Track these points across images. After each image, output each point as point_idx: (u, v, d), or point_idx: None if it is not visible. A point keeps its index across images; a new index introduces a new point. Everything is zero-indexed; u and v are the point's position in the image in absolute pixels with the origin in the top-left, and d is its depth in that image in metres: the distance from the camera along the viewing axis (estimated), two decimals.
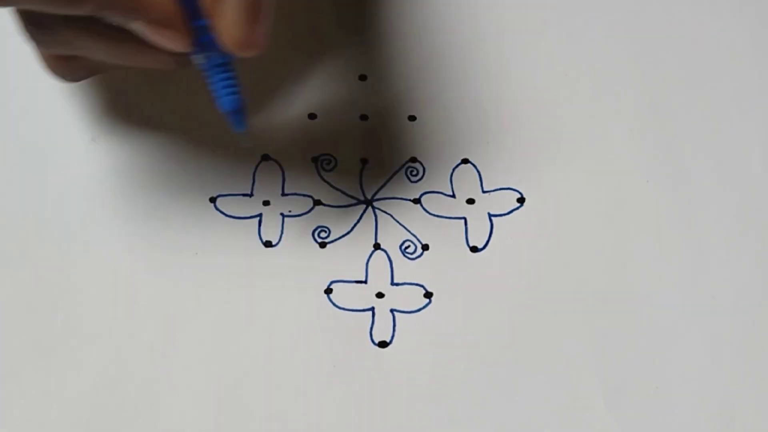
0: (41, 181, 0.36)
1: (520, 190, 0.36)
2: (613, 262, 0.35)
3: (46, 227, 0.35)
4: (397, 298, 0.34)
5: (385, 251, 0.35)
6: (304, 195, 0.36)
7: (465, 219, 0.36)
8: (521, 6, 0.40)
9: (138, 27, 0.28)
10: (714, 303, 0.34)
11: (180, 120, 0.37)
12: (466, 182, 0.36)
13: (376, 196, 0.36)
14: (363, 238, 0.35)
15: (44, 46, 0.30)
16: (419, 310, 0.34)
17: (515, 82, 0.38)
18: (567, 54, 0.39)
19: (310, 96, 0.37)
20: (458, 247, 0.35)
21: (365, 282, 0.35)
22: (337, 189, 0.36)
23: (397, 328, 0.34)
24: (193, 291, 0.34)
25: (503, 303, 0.34)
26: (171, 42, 0.29)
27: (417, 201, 0.36)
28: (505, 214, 0.36)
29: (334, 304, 0.34)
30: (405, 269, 0.35)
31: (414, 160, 0.37)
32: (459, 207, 0.36)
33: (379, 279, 0.35)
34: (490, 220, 0.36)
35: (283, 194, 0.36)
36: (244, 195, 0.36)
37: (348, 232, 0.35)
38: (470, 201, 0.36)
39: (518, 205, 0.36)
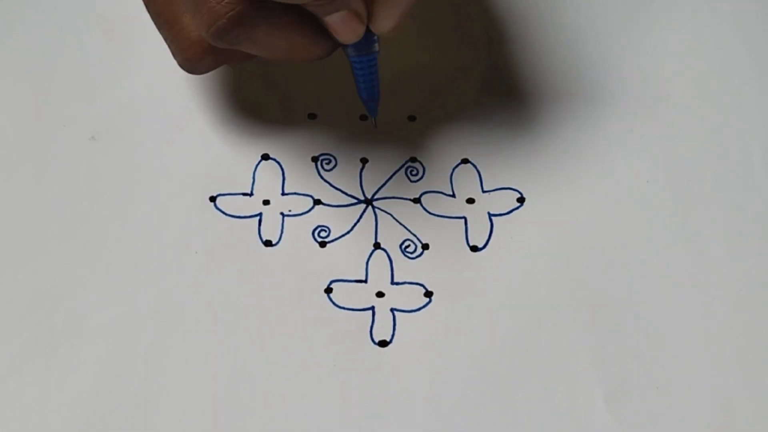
0: (41, 181, 0.36)
1: (520, 190, 0.36)
2: (613, 262, 0.35)
3: (46, 227, 0.35)
4: (397, 297, 0.34)
5: (385, 251, 0.35)
6: (304, 194, 0.36)
7: (465, 218, 0.36)
8: (521, 6, 0.40)
9: (338, 17, 0.30)
10: (714, 303, 0.34)
11: (180, 119, 0.37)
12: (466, 182, 0.36)
13: (376, 196, 0.36)
14: (363, 237, 0.35)
15: (232, 42, 0.30)
16: (419, 309, 0.34)
17: (515, 82, 0.38)
18: (567, 54, 0.39)
19: (310, 96, 0.37)
20: (458, 247, 0.35)
21: (365, 281, 0.34)
22: (337, 188, 0.36)
23: (397, 327, 0.34)
24: (192, 290, 0.34)
25: (503, 302, 0.34)
26: (355, 33, 0.31)
27: (417, 200, 0.36)
28: (505, 214, 0.36)
29: (334, 304, 0.34)
30: (405, 269, 0.35)
31: (414, 159, 0.37)
32: (459, 206, 0.36)
33: (379, 278, 0.35)
34: (490, 220, 0.36)
35: (283, 193, 0.36)
36: (244, 194, 0.36)
37: (348, 232, 0.35)
38: (470, 200, 0.36)
39: (518, 204, 0.36)
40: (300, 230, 0.35)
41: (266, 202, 0.36)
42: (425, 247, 0.35)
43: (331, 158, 0.37)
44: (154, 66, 0.38)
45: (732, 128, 0.37)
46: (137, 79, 0.38)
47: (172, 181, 0.36)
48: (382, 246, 0.35)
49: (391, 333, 0.34)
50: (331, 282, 0.34)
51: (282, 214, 0.36)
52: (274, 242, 0.35)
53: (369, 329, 0.34)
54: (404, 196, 0.36)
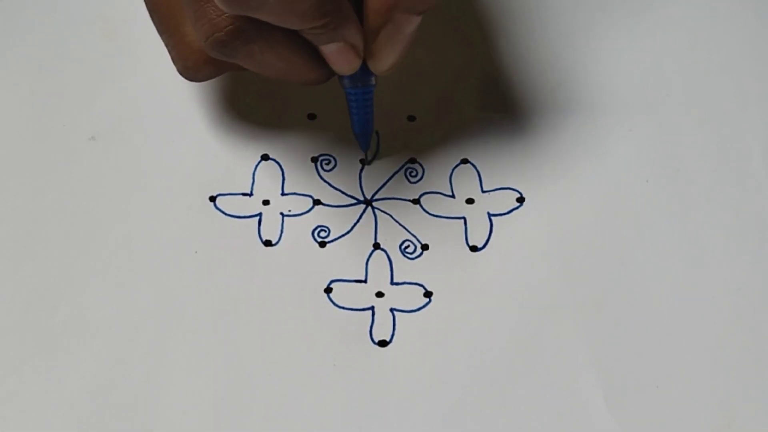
0: (41, 181, 0.36)
1: (520, 190, 0.36)
2: (613, 262, 0.35)
3: (46, 227, 0.35)
4: (396, 297, 0.34)
5: (385, 251, 0.35)
6: (303, 194, 0.36)
7: (465, 219, 0.36)
8: (521, 6, 0.40)
9: (333, 47, 0.30)
10: (714, 303, 0.34)
11: (180, 119, 0.37)
12: (465, 182, 0.36)
13: (376, 196, 0.36)
14: (363, 237, 0.35)
15: (229, 54, 0.30)
16: (419, 309, 0.34)
17: (515, 82, 0.38)
18: (567, 54, 0.39)
19: (310, 96, 0.37)
20: (458, 247, 0.35)
21: (365, 281, 0.34)
22: (337, 189, 0.36)
23: (396, 327, 0.34)
24: (192, 290, 0.34)
25: (503, 302, 0.34)
26: (349, 65, 0.32)
27: (416, 201, 0.36)
28: (504, 214, 0.36)
29: (334, 304, 0.34)
30: (405, 269, 0.35)
31: (413, 160, 0.37)
32: (458, 207, 0.36)
33: (379, 278, 0.34)
34: (490, 220, 0.36)
35: (283, 194, 0.36)
36: (244, 194, 0.36)
37: (348, 232, 0.35)
38: (470, 201, 0.36)
39: (518, 204, 0.36)
40: (300, 230, 0.35)
41: (266, 202, 0.36)
42: (425, 247, 0.35)
43: (331, 158, 0.37)
44: (154, 66, 0.38)
45: (732, 128, 0.37)
46: (137, 80, 0.38)
47: (172, 181, 0.36)
48: (381, 246, 0.35)
49: (391, 333, 0.34)
50: (331, 282, 0.34)
51: (282, 214, 0.36)
52: (274, 242, 0.35)
53: (369, 329, 0.34)
54: (404, 197, 0.36)
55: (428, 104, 0.38)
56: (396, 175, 0.37)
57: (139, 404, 0.32)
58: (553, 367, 0.33)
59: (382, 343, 0.33)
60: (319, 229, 0.35)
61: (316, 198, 0.36)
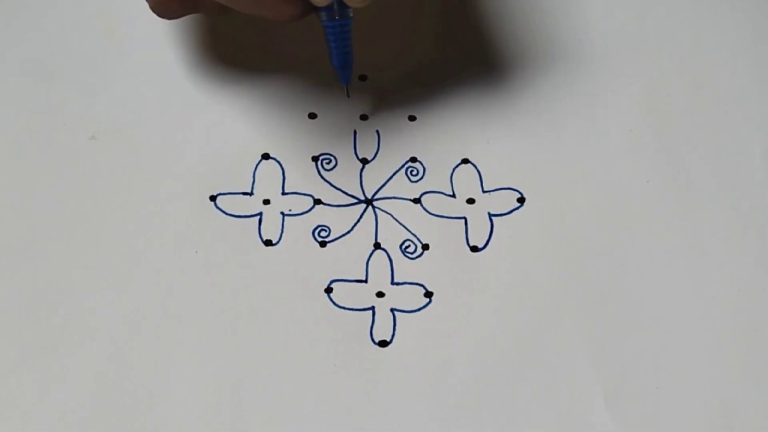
0: (41, 181, 0.36)
1: (520, 190, 0.36)
2: (613, 262, 0.35)
3: (46, 227, 0.35)
4: (397, 297, 0.34)
5: (386, 251, 0.35)
6: (304, 194, 0.36)
7: (465, 219, 0.36)
8: (521, 6, 0.40)
9: None
10: (714, 303, 0.34)
11: (180, 118, 0.37)
12: (466, 182, 0.36)
13: (376, 196, 0.36)
14: (363, 237, 0.35)
15: None
16: (419, 309, 0.34)
17: (515, 82, 0.38)
18: (567, 54, 0.39)
19: (310, 96, 0.37)
20: (458, 247, 0.35)
21: (365, 281, 0.34)
22: (337, 188, 0.36)
23: (397, 327, 0.34)
24: (193, 289, 0.34)
25: (503, 302, 0.34)
26: None
27: (417, 201, 0.36)
28: (505, 214, 0.36)
29: (335, 303, 0.34)
30: (405, 269, 0.35)
31: (414, 159, 0.37)
32: (459, 207, 0.36)
33: (380, 278, 0.34)
34: (491, 220, 0.36)
35: (284, 193, 0.36)
36: (245, 194, 0.36)
37: (348, 232, 0.35)
38: (470, 201, 0.36)
39: (518, 204, 0.36)
40: (300, 230, 0.35)
41: (266, 202, 0.36)
42: (425, 247, 0.35)
43: (331, 158, 0.37)
44: (154, 66, 0.38)
45: (732, 128, 0.37)
46: (137, 79, 0.38)
47: (173, 180, 0.36)
48: (382, 246, 0.35)
49: (391, 333, 0.34)
50: (332, 282, 0.34)
51: (282, 213, 0.36)
52: (274, 242, 0.35)
53: (369, 329, 0.34)
54: (404, 196, 0.36)
55: (429, 104, 0.38)
56: (397, 175, 0.37)
57: (139, 404, 0.32)
58: (553, 367, 0.33)
59: (383, 343, 0.33)
60: (319, 228, 0.35)
61: (316, 197, 0.36)
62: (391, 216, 0.36)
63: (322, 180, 0.36)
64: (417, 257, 0.35)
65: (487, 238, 0.35)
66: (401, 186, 0.36)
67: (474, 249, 0.35)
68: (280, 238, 0.35)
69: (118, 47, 0.39)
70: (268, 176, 0.36)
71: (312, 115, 0.37)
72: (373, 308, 0.34)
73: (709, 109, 0.38)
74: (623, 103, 0.38)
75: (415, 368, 0.33)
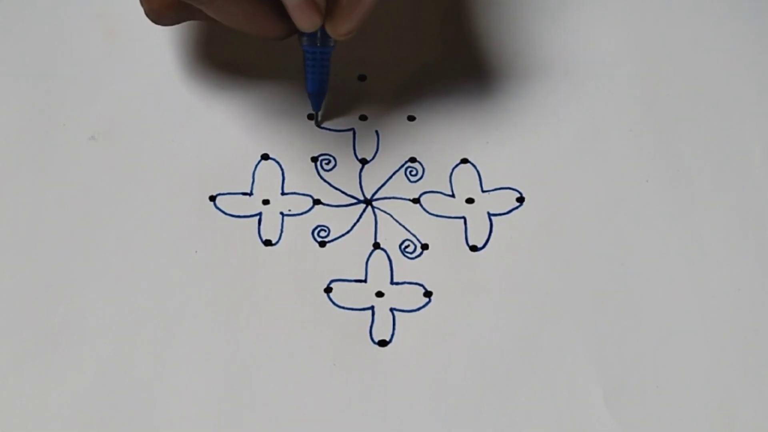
0: (41, 181, 0.36)
1: (520, 190, 0.36)
2: (613, 262, 0.35)
3: (46, 227, 0.35)
4: (396, 297, 0.34)
5: (385, 250, 0.35)
6: (303, 194, 0.36)
7: (465, 218, 0.36)
8: (521, 5, 0.40)
9: (296, 1, 0.31)
10: (714, 303, 0.34)
11: (180, 118, 0.37)
12: (465, 182, 0.36)
13: (376, 196, 0.36)
14: (363, 237, 0.35)
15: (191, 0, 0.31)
16: (419, 309, 0.34)
17: (515, 82, 0.38)
18: (567, 54, 0.39)
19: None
20: (458, 247, 0.35)
21: (365, 281, 0.34)
22: (337, 188, 0.36)
23: (396, 327, 0.34)
24: (192, 289, 0.34)
25: (503, 302, 0.34)
26: (310, 21, 0.32)
27: (416, 200, 0.36)
28: (504, 214, 0.36)
29: (334, 303, 0.34)
30: (405, 268, 0.35)
31: (413, 159, 0.37)
32: (458, 206, 0.36)
33: (379, 278, 0.34)
34: (490, 220, 0.36)
35: (283, 193, 0.36)
36: (244, 194, 0.36)
37: (348, 232, 0.35)
38: (470, 200, 0.36)
39: (518, 204, 0.36)
40: (300, 230, 0.35)
41: (266, 202, 0.36)
42: (425, 247, 0.35)
43: (331, 158, 0.37)
44: (154, 66, 0.38)
45: (732, 128, 0.37)
46: (137, 79, 0.38)
47: (172, 180, 0.36)
48: (381, 246, 0.35)
49: (391, 333, 0.34)
50: (331, 282, 0.34)
51: (282, 213, 0.36)
52: (273, 242, 0.35)
53: (369, 329, 0.34)
54: (404, 196, 0.36)
55: (429, 104, 0.38)
56: (396, 175, 0.37)
57: (139, 404, 0.32)
58: (553, 366, 0.33)
59: (382, 343, 0.33)
60: (319, 228, 0.35)
61: (316, 198, 0.36)
62: (391, 216, 0.36)
63: (321, 180, 0.36)
64: (416, 257, 0.35)
65: (486, 237, 0.35)
66: (400, 186, 0.36)
67: (473, 249, 0.35)
68: (279, 238, 0.35)
69: (118, 47, 0.39)
70: (268, 176, 0.36)
71: (312, 116, 0.37)
72: (372, 308, 0.34)
73: (708, 108, 0.38)
74: (623, 103, 0.38)
75: (415, 368, 0.33)
